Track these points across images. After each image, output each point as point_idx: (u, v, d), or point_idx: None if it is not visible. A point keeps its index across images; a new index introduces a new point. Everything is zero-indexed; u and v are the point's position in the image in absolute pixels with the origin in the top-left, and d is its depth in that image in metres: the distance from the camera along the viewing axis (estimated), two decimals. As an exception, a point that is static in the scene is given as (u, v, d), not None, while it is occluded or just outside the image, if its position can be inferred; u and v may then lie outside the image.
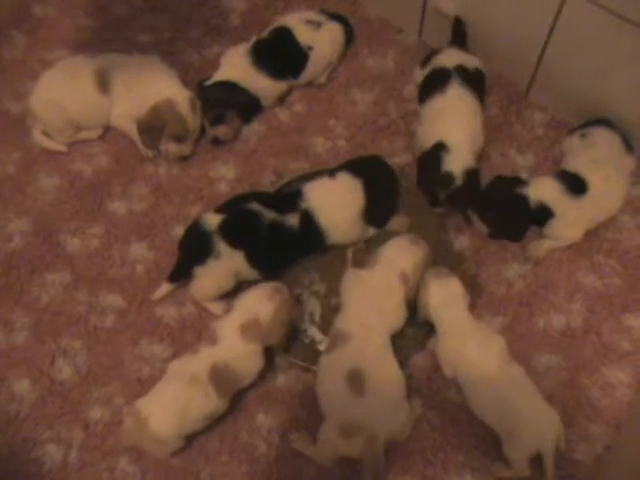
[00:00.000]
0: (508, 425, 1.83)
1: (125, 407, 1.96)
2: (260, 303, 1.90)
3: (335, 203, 2.08)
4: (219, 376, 1.85)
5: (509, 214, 2.11)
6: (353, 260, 2.12)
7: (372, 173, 2.15)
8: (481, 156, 2.27)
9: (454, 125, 2.14)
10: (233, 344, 1.88)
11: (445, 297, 1.96)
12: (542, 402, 1.86)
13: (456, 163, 2.09)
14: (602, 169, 2.12)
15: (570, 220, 2.11)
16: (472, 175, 2.11)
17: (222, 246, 1.98)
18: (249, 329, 1.88)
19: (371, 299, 1.95)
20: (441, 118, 2.17)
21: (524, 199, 2.08)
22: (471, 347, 1.91)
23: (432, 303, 1.96)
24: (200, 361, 1.86)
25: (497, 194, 2.14)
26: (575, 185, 2.10)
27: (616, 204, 2.17)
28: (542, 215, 2.10)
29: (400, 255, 2.01)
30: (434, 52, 2.33)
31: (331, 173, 2.13)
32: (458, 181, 2.09)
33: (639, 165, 2.25)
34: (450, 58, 2.25)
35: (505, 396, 1.85)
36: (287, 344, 2.00)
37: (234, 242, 1.99)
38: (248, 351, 1.89)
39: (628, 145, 2.19)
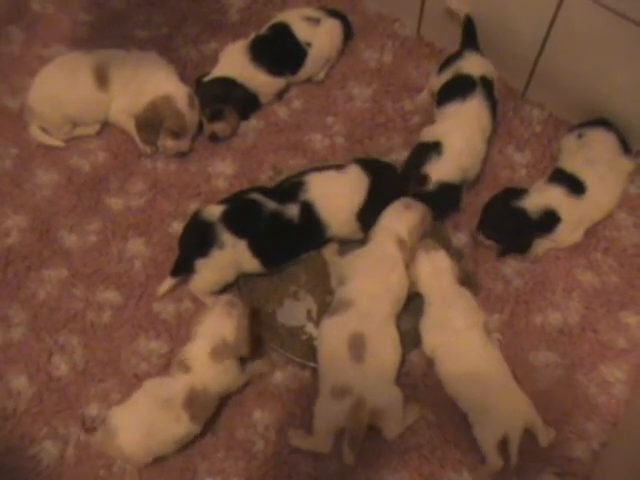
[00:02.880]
0: (479, 403, 1.86)
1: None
2: (222, 324, 1.90)
3: (337, 193, 2.08)
4: (195, 402, 1.84)
5: (510, 229, 2.11)
6: (329, 257, 2.13)
7: (381, 177, 2.13)
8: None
9: (457, 134, 2.13)
10: (207, 369, 1.87)
11: (433, 269, 1.99)
12: (515, 386, 1.88)
13: (437, 171, 2.10)
14: (597, 169, 2.13)
15: (573, 222, 2.12)
16: (448, 190, 2.12)
17: (226, 235, 1.98)
18: (219, 351, 1.87)
19: (374, 271, 1.97)
20: (449, 122, 2.16)
21: (522, 211, 2.08)
22: (456, 316, 1.94)
23: (421, 276, 1.99)
24: (176, 386, 1.85)
25: (495, 212, 2.13)
26: (574, 186, 2.11)
27: (612, 204, 2.18)
28: (548, 222, 2.10)
29: (395, 221, 2.03)
30: (453, 57, 2.28)
31: (339, 166, 2.14)
32: (429, 187, 2.10)
33: (637, 164, 2.25)
34: (475, 66, 2.22)
35: (481, 373, 1.87)
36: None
37: (237, 230, 1.99)
38: (223, 369, 1.88)
39: (625, 147, 2.20)
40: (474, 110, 2.17)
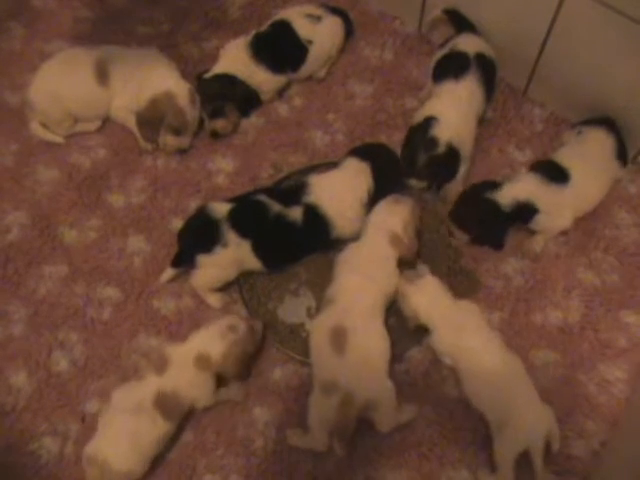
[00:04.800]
0: (501, 416, 1.84)
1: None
2: (212, 341, 1.90)
3: (342, 189, 2.08)
4: (165, 402, 1.84)
5: (480, 220, 2.10)
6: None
7: (378, 157, 2.14)
8: (479, 152, 2.28)
9: (452, 109, 2.15)
10: (184, 372, 1.87)
11: (426, 296, 1.97)
12: (537, 398, 1.86)
13: (443, 132, 2.12)
14: (585, 164, 2.12)
15: (555, 210, 2.10)
16: (453, 151, 2.13)
17: (231, 234, 1.98)
18: (201, 362, 1.88)
19: (361, 267, 1.97)
20: (443, 99, 2.18)
21: (494, 203, 2.07)
22: (470, 336, 1.92)
23: (416, 306, 1.97)
24: (145, 389, 1.85)
25: (467, 201, 2.13)
26: (554, 174, 2.10)
27: (597, 197, 2.17)
28: (525, 213, 2.09)
29: (386, 217, 2.04)
30: (453, 35, 2.32)
31: (336, 164, 2.14)
32: (440, 148, 2.11)
33: (637, 163, 2.26)
34: (471, 44, 2.24)
35: (504, 386, 1.86)
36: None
37: (242, 230, 1.99)
38: (198, 379, 1.88)
39: (621, 152, 2.19)
40: (467, 90, 2.19)
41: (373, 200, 2.10)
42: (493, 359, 1.89)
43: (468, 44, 2.25)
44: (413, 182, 2.18)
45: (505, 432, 1.83)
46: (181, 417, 1.90)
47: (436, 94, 2.23)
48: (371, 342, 1.90)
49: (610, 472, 1.85)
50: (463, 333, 1.93)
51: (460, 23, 2.35)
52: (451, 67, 2.22)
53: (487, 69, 2.24)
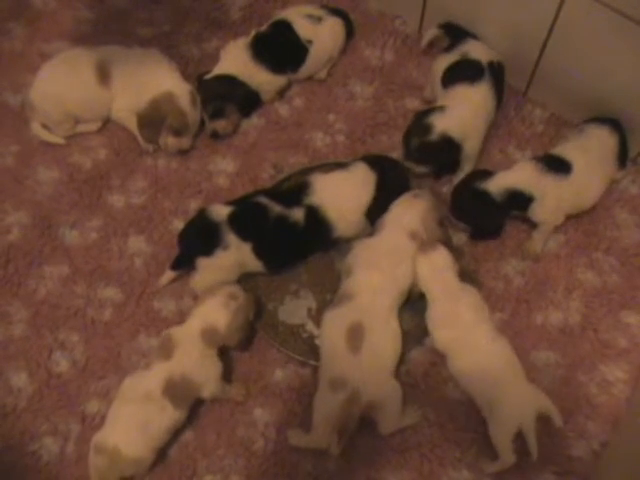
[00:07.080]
0: (492, 398, 1.85)
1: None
2: (216, 312, 1.91)
3: (346, 192, 2.08)
4: (174, 389, 1.84)
5: (473, 211, 2.12)
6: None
7: (389, 173, 2.13)
8: (480, 152, 2.27)
9: (463, 105, 2.16)
10: (191, 350, 1.88)
11: (433, 268, 1.97)
12: (525, 378, 1.87)
13: (441, 122, 2.13)
14: (587, 156, 2.11)
15: (551, 201, 2.09)
16: (449, 142, 2.14)
17: (231, 237, 1.98)
18: (208, 335, 1.89)
19: (381, 264, 1.96)
20: (456, 98, 2.19)
21: (484, 193, 2.07)
22: (465, 311, 1.93)
23: (420, 275, 1.98)
24: (153, 377, 1.85)
25: (458, 193, 2.14)
26: (556, 165, 2.09)
27: (593, 195, 2.16)
28: (519, 201, 2.09)
29: (404, 213, 2.03)
30: (458, 40, 2.31)
31: (344, 165, 2.14)
32: (433, 136, 2.13)
33: (638, 163, 2.27)
34: (481, 51, 2.24)
35: (492, 367, 1.87)
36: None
37: (243, 233, 1.99)
38: (205, 356, 1.89)
39: (621, 155, 2.19)
40: (481, 97, 2.20)
41: (371, 211, 2.09)
42: (483, 337, 1.90)
43: (479, 52, 2.24)
44: (409, 164, 2.20)
45: (496, 414, 1.84)
46: (190, 405, 1.89)
47: (446, 96, 2.22)
48: (387, 342, 1.91)
49: (610, 473, 1.85)
50: (458, 308, 1.93)
51: (459, 34, 2.34)
52: (465, 73, 2.21)
53: (499, 77, 2.24)
